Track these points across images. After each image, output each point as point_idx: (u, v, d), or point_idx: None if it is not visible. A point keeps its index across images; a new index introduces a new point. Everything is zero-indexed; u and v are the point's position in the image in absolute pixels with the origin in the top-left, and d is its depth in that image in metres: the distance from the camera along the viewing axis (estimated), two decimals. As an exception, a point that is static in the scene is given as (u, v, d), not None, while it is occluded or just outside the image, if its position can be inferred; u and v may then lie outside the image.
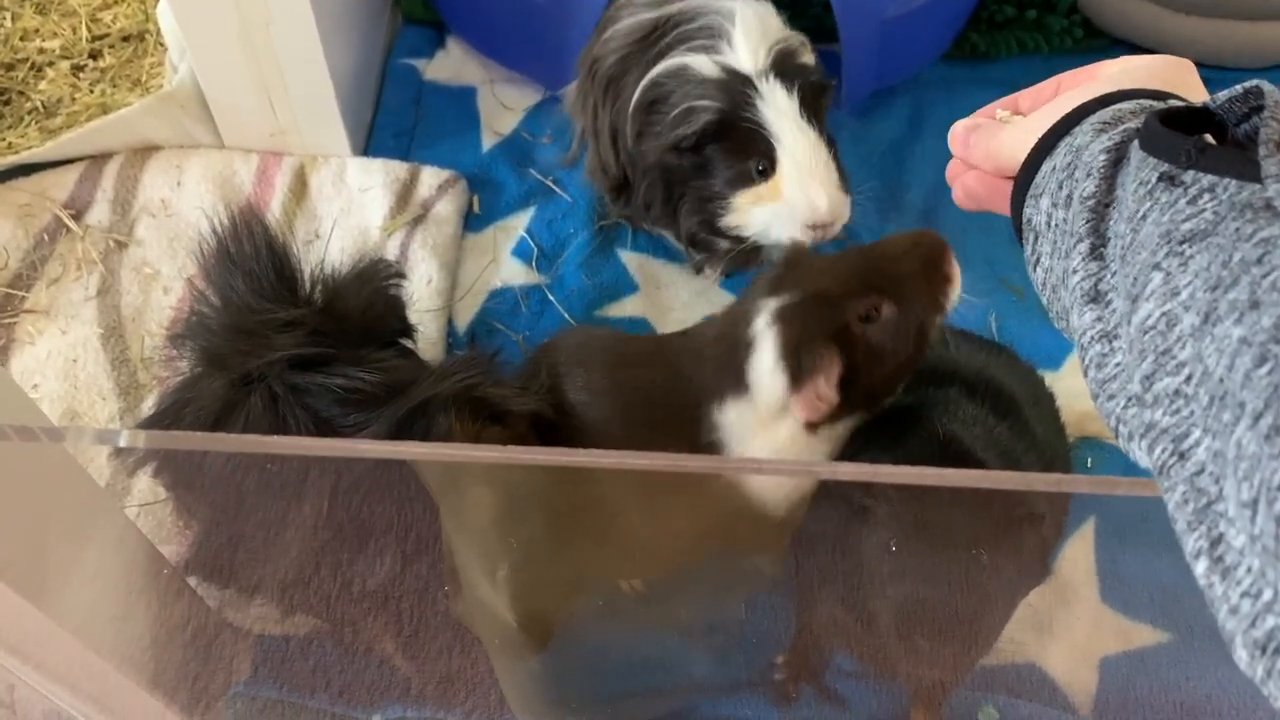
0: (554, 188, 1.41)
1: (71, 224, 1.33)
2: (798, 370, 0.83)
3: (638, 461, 0.67)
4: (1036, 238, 0.65)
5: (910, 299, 0.85)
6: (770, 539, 0.94)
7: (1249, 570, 0.41)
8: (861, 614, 0.92)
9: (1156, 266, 0.50)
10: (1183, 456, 0.46)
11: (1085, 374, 0.59)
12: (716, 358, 0.88)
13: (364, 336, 0.95)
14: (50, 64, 1.49)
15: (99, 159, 1.39)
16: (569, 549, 0.92)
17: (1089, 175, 0.60)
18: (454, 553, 0.95)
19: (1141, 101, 0.64)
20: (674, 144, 1.15)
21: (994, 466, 0.86)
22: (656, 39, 1.20)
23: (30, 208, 1.35)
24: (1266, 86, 0.54)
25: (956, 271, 0.88)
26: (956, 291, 0.88)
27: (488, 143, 1.46)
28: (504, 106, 1.50)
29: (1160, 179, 0.53)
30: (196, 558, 0.96)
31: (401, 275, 1.04)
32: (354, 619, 1.04)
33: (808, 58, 1.20)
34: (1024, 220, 0.67)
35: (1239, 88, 0.55)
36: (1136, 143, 0.57)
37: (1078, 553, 1.14)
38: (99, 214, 1.35)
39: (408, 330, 1.04)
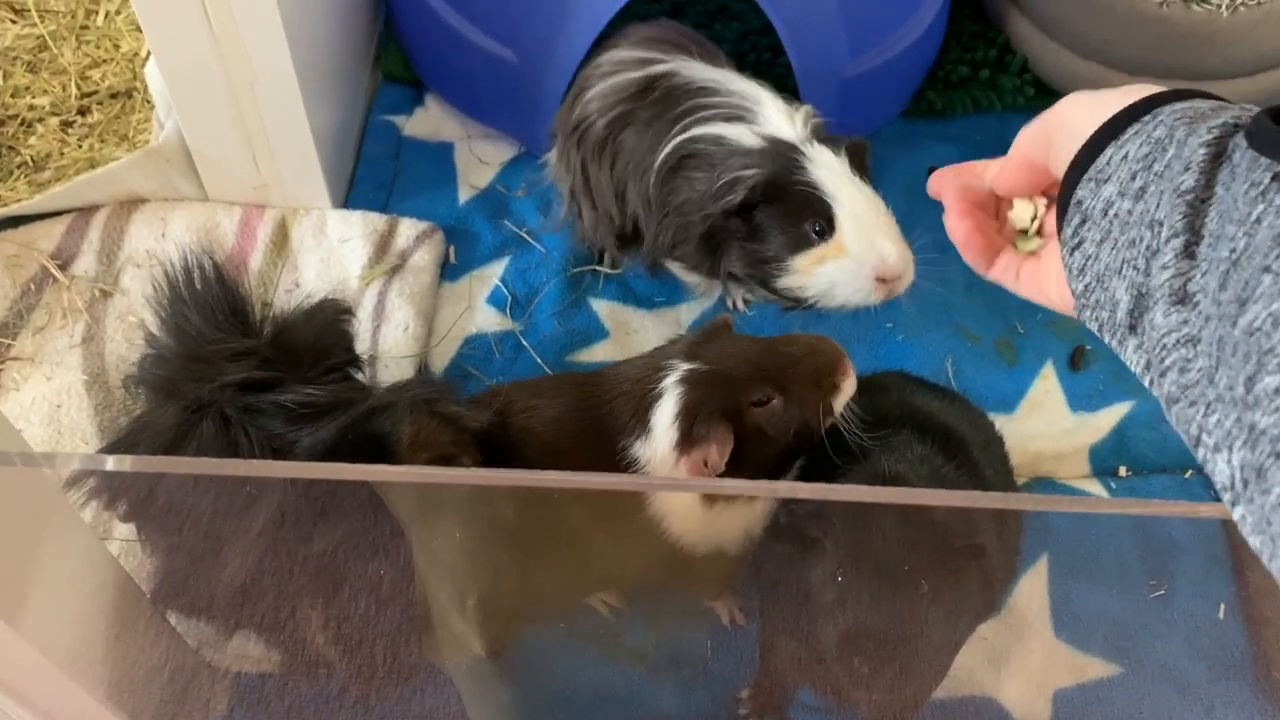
0: (528, 239, 1.46)
1: (58, 274, 1.37)
2: (688, 433, 0.94)
3: (592, 481, 0.71)
4: (1084, 222, 0.64)
5: (796, 397, 0.95)
6: (700, 573, 1.01)
7: None
8: (821, 647, 0.95)
9: (1267, 269, 0.49)
10: None
11: (1162, 377, 0.57)
12: (631, 396, 0.98)
13: (313, 365, 1.00)
14: (40, 120, 1.54)
15: (86, 211, 1.43)
16: (523, 571, 0.96)
17: (1187, 169, 0.58)
18: (424, 587, 0.98)
19: (1211, 101, 0.63)
20: (721, 210, 1.13)
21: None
22: (662, 100, 1.21)
23: (18, 258, 1.39)
24: None
25: (848, 383, 0.97)
26: (844, 399, 0.97)
27: (464, 195, 1.52)
28: (480, 161, 1.56)
29: (1274, 179, 0.52)
30: (160, 589, 0.98)
31: (350, 312, 1.09)
32: (329, 659, 1.07)
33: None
34: (1073, 201, 0.65)
35: None
36: (1243, 141, 0.55)
37: (1031, 587, 1.18)
38: (85, 264, 1.39)
39: (355, 361, 1.08)
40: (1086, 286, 0.64)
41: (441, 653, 1.06)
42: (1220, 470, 0.50)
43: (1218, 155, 0.57)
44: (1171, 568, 1.18)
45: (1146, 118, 0.63)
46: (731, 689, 1.11)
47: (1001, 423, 1.23)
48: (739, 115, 1.17)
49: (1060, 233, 0.67)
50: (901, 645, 0.85)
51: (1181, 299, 0.56)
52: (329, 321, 1.05)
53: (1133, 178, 0.61)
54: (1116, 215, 0.61)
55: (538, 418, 1.02)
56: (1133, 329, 0.60)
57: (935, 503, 0.75)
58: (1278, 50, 1.54)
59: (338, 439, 0.91)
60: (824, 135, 1.17)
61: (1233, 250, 0.52)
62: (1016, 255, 0.78)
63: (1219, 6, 1.48)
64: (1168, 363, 0.56)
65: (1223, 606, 1.15)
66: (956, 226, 0.79)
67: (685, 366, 0.96)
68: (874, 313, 1.41)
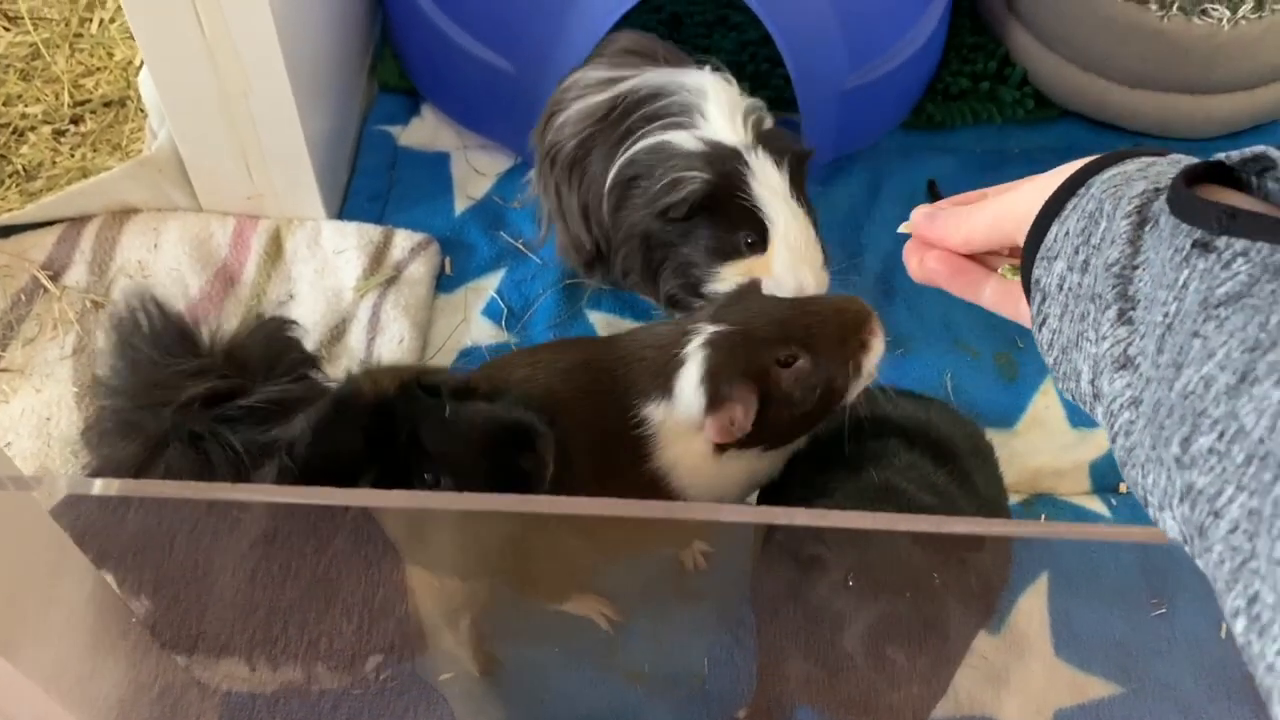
0: (524, 250, 1.45)
1: (49, 284, 1.36)
2: (715, 395, 0.93)
3: (600, 508, 0.70)
4: (1044, 299, 0.66)
5: (823, 356, 0.93)
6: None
7: None
8: (819, 665, 0.94)
9: (1196, 334, 0.50)
10: (1218, 515, 0.47)
11: (1112, 441, 0.59)
12: (653, 361, 0.97)
13: (270, 370, 0.99)
14: (32, 129, 1.52)
15: (78, 221, 1.42)
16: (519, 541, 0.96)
17: (1112, 242, 0.60)
18: (418, 606, 0.97)
19: (1143, 160, 0.64)
20: (662, 210, 1.16)
21: (930, 506, 0.90)
22: (619, 119, 1.23)
23: (9, 268, 1.37)
24: (1274, 152, 0.55)
25: (877, 340, 0.95)
26: (874, 358, 0.95)
27: (460, 206, 1.50)
28: (476, 172, 1.55)
29: (1194, 246, 0.53)
30: (148, 610, 0.97)
31: (294, 323, 1.08)
32: (320, 677, 1.05)
33: (768, 123, 1.25)
34: (1032, 281, 0.67)
35: (1248, 151, 0.56)
36: (1166, 207, 0.57)
37: (1032, 606, 1.17)
38: (76, 275, 1.38)
39: (311, 361, 1.07)
40: (1055, 360, 0.66)
41: (435, 669, 1.05)
42: (1170, 527, 0.52)
43: (1142, 222, 0.59)
44: (1173, 586, 1.17)
45: (1081, 190, 0.65)
46: (728, 708, 1.10)
47: (1001, 438, 1.23)
48: (682, 121, 1.20)
49: (1030, 309, 0.69)
50: (904, 653, 0.84)
51: (1123, 364, 0.58)
52: (275, 330, 1.04)
53: (1076, 251, 0.63)
54: (1070, 289, 0.63)
55: (545, 369, 1.01)
56: (1096, 397, 0.62)
57: (938, 529, 0.73)
58: (1278, 64, 1.54)
59: (317, 425, 0.89)
60: (766, 133, 1.19)
61: (1165, 315, 0.54)
62: (1005, 280, 0.77)
63: (1220, 20, 1.47)
64: (1116, 427, 0.58)
65: (1224, 626, 1.14)
66: (936, 273, 0.78)
67: (711, 329, 0.95)
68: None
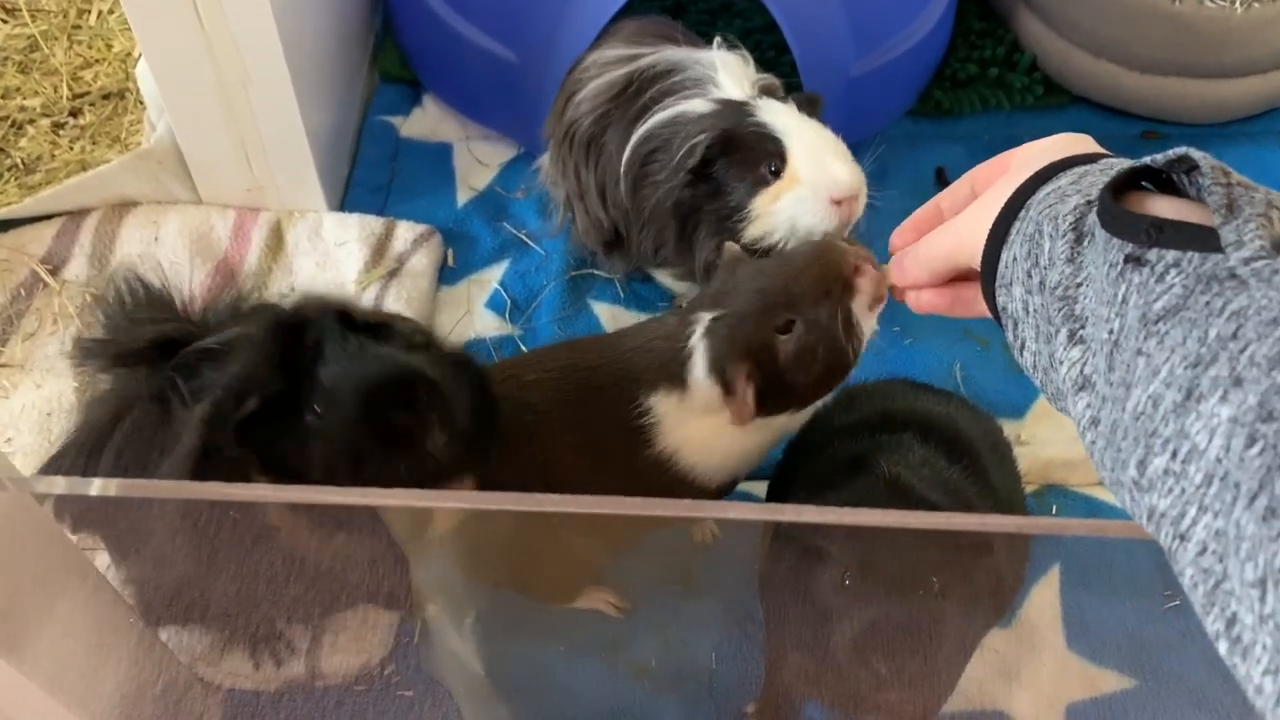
0: (528, 241, 1.44)
1: (49, 279, 1.35)
2: (726, 384, 0.91)
3: (607, 506, 0.69)
4: (1016, 324, 0.66)
5: (811, 313, 0.90)
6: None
7: (1265, 648, 0.41)
8: (827, 659, 0.93)
9: (1139, 351, 0.50)
10: (1183, 539, 0.46)
11: (1092, 458, 0.59)
12: (661, 353, 0.96)
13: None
14: (31, 121, 1.51)
15: (77, 215, 1.41)
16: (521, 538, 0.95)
17: (1051, 265, 0.60)
18: (422, 602, 0.96)
19: (1076, 170, 0.64)
20: (684, 177, 1.15)
21: (942, 505, 0.88)
22: (635, 94, 1.22)
23: (8, 263, 1.36)
24: (1195, 153, 0.54)
25: (864, 279, 0.90)
26: (865, 299, 0.90)
27: (463, 198, 1.49)
28: (479, 162, 1.53)
29: (1127, 260, 0.53)
30: (149, 606, 0.96)
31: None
32: (324, 671, 1.05)
33: (782, 93, 1.24)
34: (999, 309, 0.68)
35: (1171, 153, 0.56)
36: (1097, 222, 0.57)
37: (1043, 599, 1.16)
38: (76, 269, 1.36)
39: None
40: (1041, 382, 0.66)
41: (440, 665, 1.04)
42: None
43: (1079, 238, 0.58)
44: (1186, 578, 1.16)
45: (1021, 212, 0.65)
46: (736, 703, 1.09)
47: (1011, 429, 1.21)
48: (695, 93, 1.19)
49: (1007, 336, 0.69)
50: (912, 650, 0.83)
51: (1082, 385, 0.58)
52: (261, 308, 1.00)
53: (1029, 275, 0.63)
54: (1035, 310, 0.63)
55: (539, 366, 1.01)
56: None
57: (946, 526, 0.72)
58: (1291, 48, 1.52)
59: (236, 343, 0.83)
60: (773, 93, 1.19)
61: (1110, 332, 0.54)
62: None
63: (1233, 3, 1.45)
64: (1086, 444, 0.58)
65: (1239, 619, 1.13)
66: (935, 307, 0.80)
67: (708, 316, 0.94)
68: (882, 318, 1.39)
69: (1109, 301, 0.54)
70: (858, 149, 1.55)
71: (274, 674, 1.05)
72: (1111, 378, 0.54)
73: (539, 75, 1.39)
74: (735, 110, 1.15)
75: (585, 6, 1.32)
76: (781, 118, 1.14)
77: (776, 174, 1.13)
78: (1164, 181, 0.59)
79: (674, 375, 0.94)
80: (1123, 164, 0.61)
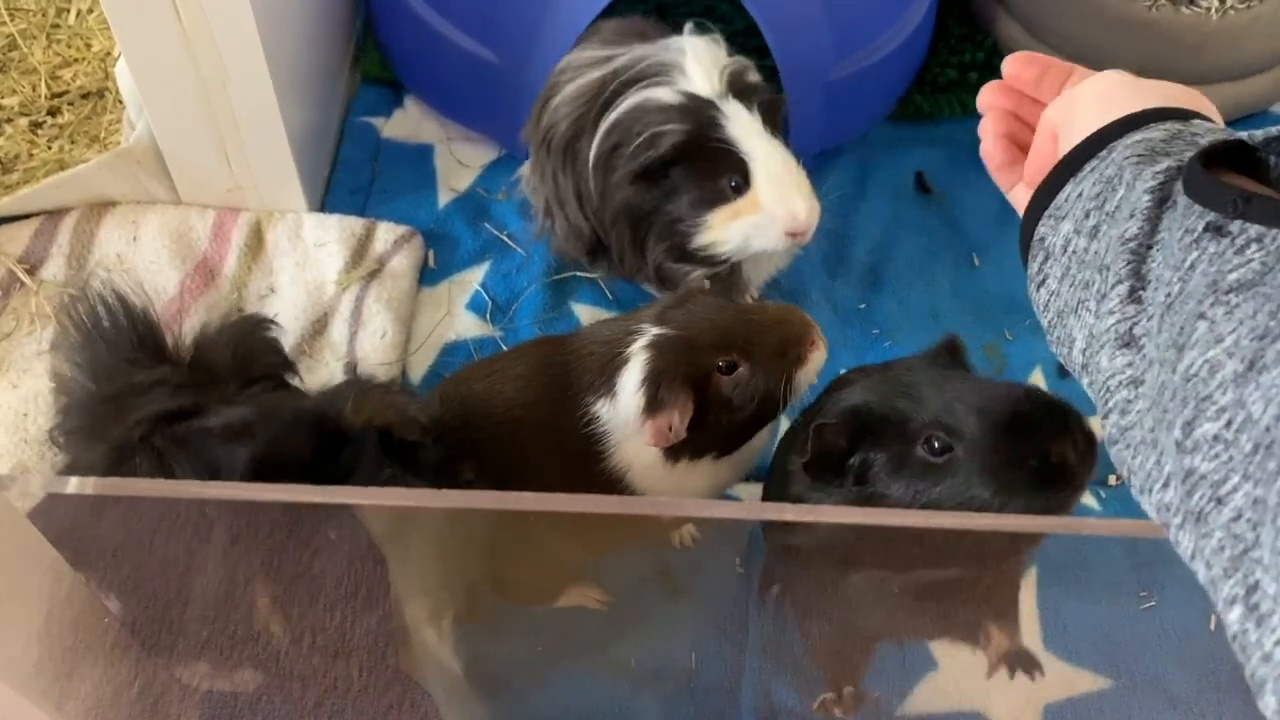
0: (509, 242, 1.44)
1: (26, 279, 1.34)
2: (654, 399, 0.93)
3: (589, 505, 0.69)
4: (1046, 258, 0.65)
5: (762, 366, 0.94)
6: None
7: None
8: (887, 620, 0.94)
9: (1202, 316, 0.50)
10: (1220, 502, 0.46)
11: (1104, 417, 0.58)
12: (599, 356, 0.97)
13: (236, 379, 0.96)
14: (9, 120, 1.50)
15: (55, 214, 1.40)
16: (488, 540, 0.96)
17: (1132, 216, 0.59)
18: (401, 603, 0.96)
19: (1169, 126, 0.63)
20: (642, 167, 1.15)
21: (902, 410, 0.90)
22: (611, 96, 1.22)
23: (-16, 262, 1.35)
24: None
25: (815, 355, 0.96)
26: (811, 372, 0.96)
27: (444, 199, 1.49)
28: (460, 164, 1.53)
29: (1207, 229, 0.53)
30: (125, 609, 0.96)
31: (273, 322, 1.05)
32: (303, 674, 1.04)
33: (754, 77, 1.24)
34: (1036, 237, 0.67)
35: (1273, 130, 0.56)
36: (1181, 187, 0.56)
37: (1020, 598, 1.16)
38: (54, 269, 1.35)
39: (287, 365, 1.04)
40: (1049, 323, 0.66)
41: (419, 666, 1.04)
42: (1148, 509, 0.52)
43: (1163, 200, 0.58)
44: (1162, 578, 1.16)
45: (1103, 152, 0.64)
46: (716, 704, 1.09)
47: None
48: (661, 80, 1.19)
49: (1026, 268, 0.68)
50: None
51: (1127, 342, 0.57)
52: (247, 332, 1.01)
53: (1087, 215, 0.62)
54: (1074, 252, 0.63)
55: (501, 376, 1.02)
56: (1085, 368, 0.62)
57: (926, 525, 0.73)
58: (1266, 54, 1.53)
59: (266, 450, 0.87)
60: (741, 85, 1.19)
61: (1168, 295, 0.54)
62: (1027, 191, 0.76)
63: (1208, 10, 1.47)
64: (1110, 404, 0.57)
65: (1214, 618, 1.14)
66: (984, 135, 0.82)
67: (654, 331, 0.96)
68: (860, 318, 1.39)
69: (1175, 266, 0.54)
70: (839, 152, 1.56)
71: (252, 675, 1.05)
72: (1159, 340, 0.53)
73: (519, 77, 1.39)
74: (701, 111, 1.15)
75: (566, 8, 1.32)
76: (748, 137, 1.14)
77: (737, 191, 1.15)
78: (1242, 162, 0.58)
79: (607, 380, 0.96)
80: (1216, 133, 0.60)
